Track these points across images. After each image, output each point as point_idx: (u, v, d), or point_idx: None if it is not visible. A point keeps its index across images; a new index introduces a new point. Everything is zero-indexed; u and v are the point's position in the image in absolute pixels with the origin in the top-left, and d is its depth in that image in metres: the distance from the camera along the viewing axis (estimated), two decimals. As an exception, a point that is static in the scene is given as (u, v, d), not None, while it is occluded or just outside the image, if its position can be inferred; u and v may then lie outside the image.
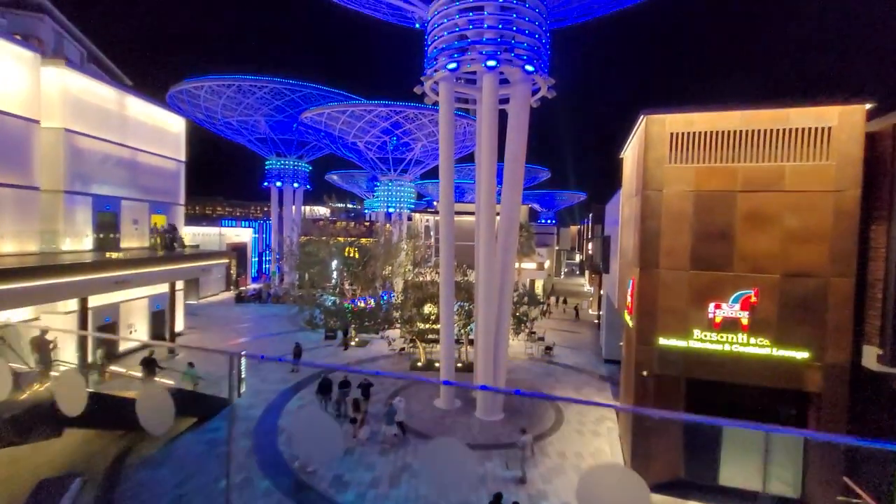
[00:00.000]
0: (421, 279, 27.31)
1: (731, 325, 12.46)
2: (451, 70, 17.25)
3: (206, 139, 47.55)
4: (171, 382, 18.19)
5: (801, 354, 11.95)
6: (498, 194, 19.00)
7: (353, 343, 28.48)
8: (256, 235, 56.26)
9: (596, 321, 37.72)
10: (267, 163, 47.25)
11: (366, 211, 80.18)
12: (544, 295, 47.13)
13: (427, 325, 24.64)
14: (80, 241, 21.28)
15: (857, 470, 11.80)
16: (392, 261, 29.58)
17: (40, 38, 23.43)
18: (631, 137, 16.28)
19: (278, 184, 47.21)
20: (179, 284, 28.61)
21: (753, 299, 12.25)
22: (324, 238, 29.85)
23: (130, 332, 24.52)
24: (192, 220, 56.43)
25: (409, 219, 47.00)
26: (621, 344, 19.43)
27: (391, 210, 45.41)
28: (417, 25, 19.98)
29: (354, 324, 25.96)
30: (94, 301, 20.73)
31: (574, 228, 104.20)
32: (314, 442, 3.08)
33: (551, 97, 18.49)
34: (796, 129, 11.97)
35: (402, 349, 26.80)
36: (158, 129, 26.57)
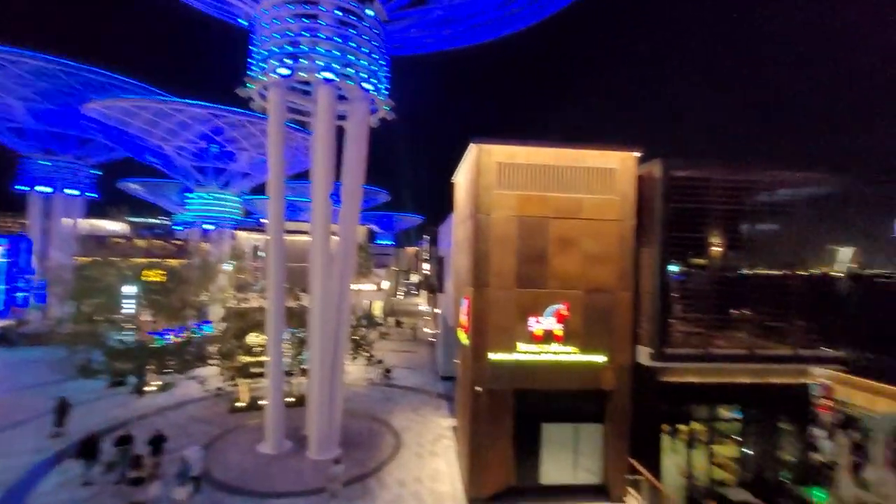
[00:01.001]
0: (245, 306, 24.02)
1: (548, 337, 13.93)
2: (284, 76, 15.84)
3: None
4: None
5: (600, 358, 14.06)
6: (336, 214, 17.98)
7: (150, 388, 23.12)
8: (7, 256, 42.23)
9: (432, 339, 38.94)
10: (27, 161, 36.32)
11: (178, 227, 68.39)
12: (383, 316, 46.87)
13: (251, 359, 21.59)
14: None
15: (638, 452, 14.26)
16: (209, 285, 25.42)
17: None
18: (462, 163, 17.30)
19: (45, 189, 36.66)
20: None
21: (564, 312, 13.97)
22: (113, 259, 23.96)
23: None
24: None
25: (233, 237, 41.68)
26: (456, 361, 20.15)
27: (210, 227, 39.55)
28: (244, 22, 17.93)
29: (152, 365, 21.14)
30: None
31: (412, 250, 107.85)
32: None
33: (390, 119, 18.55)
34: (591, 168, 14.32)
35: (219, 389, 22.88)
36: None
